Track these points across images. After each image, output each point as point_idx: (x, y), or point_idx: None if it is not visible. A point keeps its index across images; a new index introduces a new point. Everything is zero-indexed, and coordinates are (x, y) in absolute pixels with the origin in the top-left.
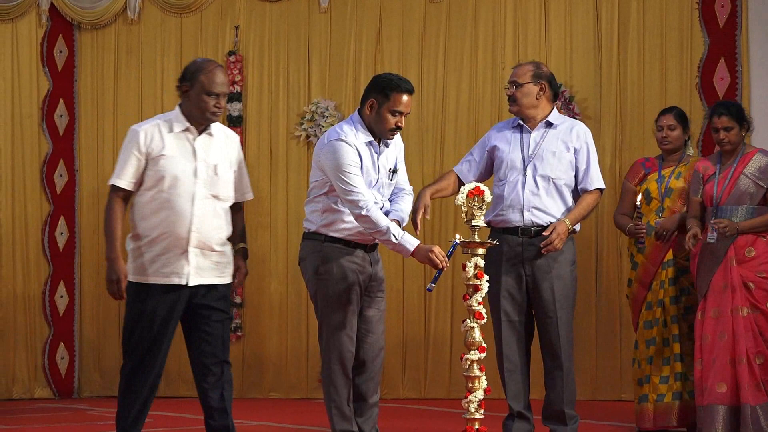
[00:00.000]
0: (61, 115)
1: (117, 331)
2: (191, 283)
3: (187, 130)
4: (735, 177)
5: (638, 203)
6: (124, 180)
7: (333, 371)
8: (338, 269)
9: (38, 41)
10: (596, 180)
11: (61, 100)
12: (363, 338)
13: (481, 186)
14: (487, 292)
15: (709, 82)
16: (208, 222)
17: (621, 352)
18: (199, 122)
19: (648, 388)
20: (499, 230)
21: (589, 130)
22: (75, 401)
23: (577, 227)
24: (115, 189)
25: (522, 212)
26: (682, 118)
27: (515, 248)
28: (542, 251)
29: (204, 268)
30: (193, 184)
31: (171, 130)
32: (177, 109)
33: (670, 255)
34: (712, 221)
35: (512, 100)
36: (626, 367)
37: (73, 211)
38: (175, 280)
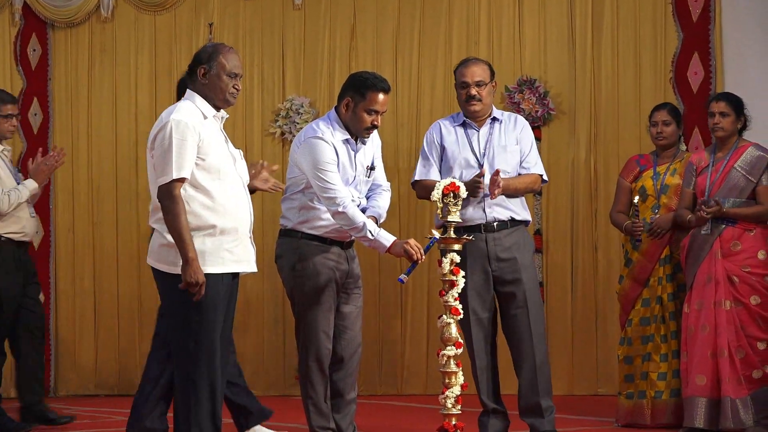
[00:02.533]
0: (36, 114)
1: (93, 330)
2: (254, 269)
3: (215, 115)
4: (726, 170)
5: (635, 202)
6: (186, 170)
7: (310, 368)
8: (314, 266)
9: (11, 40)
10: (537, 165)
11: (35, 99)
12: (340, 335)
13: (457, 182)
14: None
15: (683, 77)
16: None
17: (597, 346)
18: (219, 105)
19: (645, 384)
20: (460, 229)
21: (527, 122)
22: (51, 400)
23: (530, 218)
24: (175, 183)
25: (484, 209)
26: (676, 114)
27: (479, 245)
28: (476, 190)
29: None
30: (233, 170)
31: (205, 117)
32: (194, 96)
33: (667, 251)
34: (699, 204)
35: (477, 99)
36: (603, 362)
37: (48, 210)
38: (246, 267)
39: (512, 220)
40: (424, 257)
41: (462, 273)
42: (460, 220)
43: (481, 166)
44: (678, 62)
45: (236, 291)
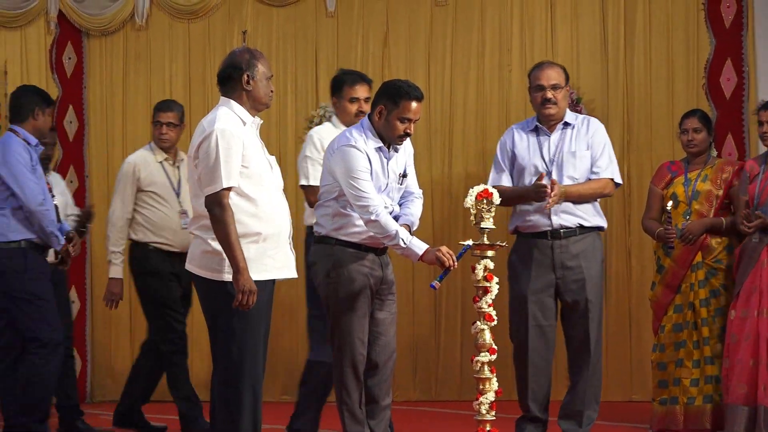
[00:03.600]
0: (71, 122)
1: (128, 336)
2: (295, 275)
3: (252, 122)
4: None
5: (667, 208)
6: (234, 179)
7: (345, 374)
8: (349, 273)
9: (47, 48)
10: (608, 169)
11: (71, 107)
12: (374, 341)
13: (490, 188)
14: (514, 297)
15: (716, 83)
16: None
17: (631, 352)
18: (260, 109)
19: (677, 390)
20: (527, 235)
21: (602, 124)
22: (88, 406)
23: (604, 224)
24: (224, 192)
25: (550, 216)
26: (706, 121)
27: (545, 252)
28: (542, 194)
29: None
30: (271, 176)
31: (244, 123)
32: (230, 102)
33: (699, 257)
34: (741, 216)
35: (553, 102)
36: (637, 368)
37: None
38: (287, 273)
39: (581, 226)
40: (456, 264)
41: (496, 279)
42: (494, 227)
43: (549, 173)
44: (711, 68)
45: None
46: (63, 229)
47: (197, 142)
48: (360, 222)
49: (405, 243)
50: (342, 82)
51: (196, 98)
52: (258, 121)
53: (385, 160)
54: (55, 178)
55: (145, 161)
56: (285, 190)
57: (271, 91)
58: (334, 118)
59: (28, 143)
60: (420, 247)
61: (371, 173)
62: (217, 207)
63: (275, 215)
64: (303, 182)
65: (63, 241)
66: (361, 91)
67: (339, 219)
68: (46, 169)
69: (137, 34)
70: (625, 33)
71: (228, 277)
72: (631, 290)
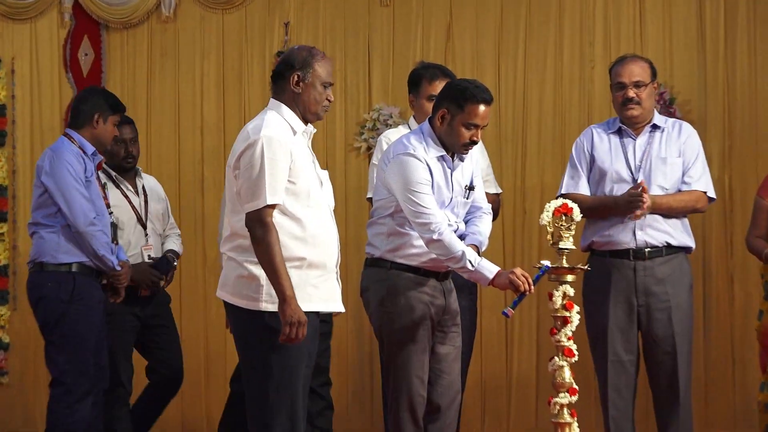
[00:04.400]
0: None
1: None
2: (342, 309)
3: (303, 131)
4: None
5: None
6: (279, 195)
7: (401, 419)
8: (406, 301)
9: (60, 43)
10: (701, 181)
11: None
12: (436, 380)
13: (570, 203)
14: (591, 327)
15: None
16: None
17: (734, 392)
18: (309, 119)
19: None
20: (604, 254)
21: (695, 130)
22: None
23: (692, 244)
24: (267, 209)
25: (634, 232)
26: None
27: (626, 274)
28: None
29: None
30: (321, 195)
31: (294, 132)
32: (281, 107)
33: None
34: None
35: (636, 102)
36: (741, 410)
37: None
38: (334, 307)
39: (668, 246)
40: (533, 289)
41: (576, 308)
42: (573, 247)
43: (635, 181)
44: None
45: (320, 331)
46: (119, 252)
47: (239, 151)
48: (419, 242)
49: (473, 265)
50: (420, 77)
51: (230, 100)
52: (311, 129)
53: (448, 171)
54: (148, 181)
55: None
56: (334, 210)
57: (328, 100)
58: (412, 120)
59: (84, 152)
60: (491, 269)
61: (432, 186)
62: (258, 226)
63: (323, 239)
64: (370, 194)
65: (118, 267)
66: (441, 88)
67: (395, 238)
68: (127, 171)
69: (164, 26)
70: (726, 22)
71: (266, 306)
72: (733, 320)
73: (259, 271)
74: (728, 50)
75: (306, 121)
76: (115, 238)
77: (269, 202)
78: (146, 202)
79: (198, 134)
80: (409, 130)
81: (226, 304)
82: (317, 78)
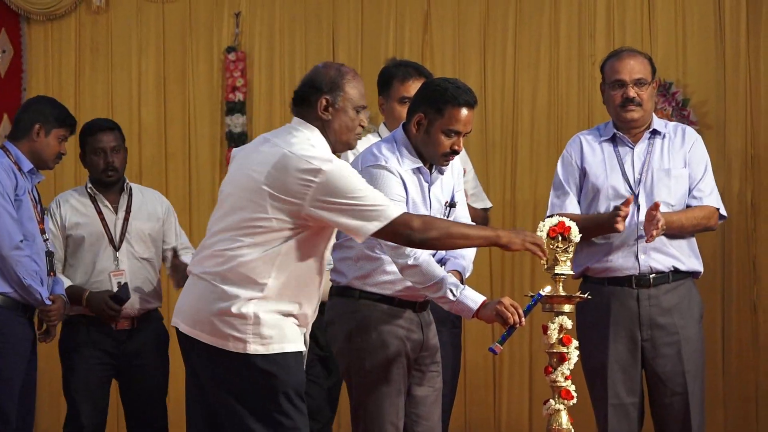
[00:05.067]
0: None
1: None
2: None
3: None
4: None
5: None
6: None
7: None
8: (378, 336)
9: None
10: (712, 195)
11: (5, 116)
12: (413, 427)
13: (567, 221)
14: (588, 365)
15: None
16: None
17: None
18: (337, 149)
19: None
20: (601, 281)
21: (699, 135)
22: None
23: (701, 268)
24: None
25: (636, 256)
26: None
27: (628, 304)
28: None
29: None
30: None
31: None
32: (313, 131)
33: None
34: None
35: (637, 103)
36: None
37: None
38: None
39: (675, 270)
40: (523, 321)
41: (575, 344)
42: (571, 272)
43: (635, 197)
44: None
45: None
46: (55, 285)
47: (314, 187)
48: (393, 267)
49: (455, 294)
50: (391, 77)
51: (172, 103)
52: None
53: (425, 185)
54: (144, 196)
55: None
56: None
57: (362, 126)
58: (382, 126)
59: (20, 167)
60: (475, 300)
61: (407, 202)
62: (414, 232)
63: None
64: None
65: (47, 301)
66: (415, 89)
67: (365, 264)
68: (109, 186)
69: (94, 18)
70: (748, 10)
71: (256, 348)
72: (758, 356)
73: (246, 308)
74: (751, 43)
75: (333, 151)
76: (51, 270)
77: (396, 214)
78: (126, 220)
79: (135, 141)
80: (379, 138)
81: (192, 341)
82: (349, 101)
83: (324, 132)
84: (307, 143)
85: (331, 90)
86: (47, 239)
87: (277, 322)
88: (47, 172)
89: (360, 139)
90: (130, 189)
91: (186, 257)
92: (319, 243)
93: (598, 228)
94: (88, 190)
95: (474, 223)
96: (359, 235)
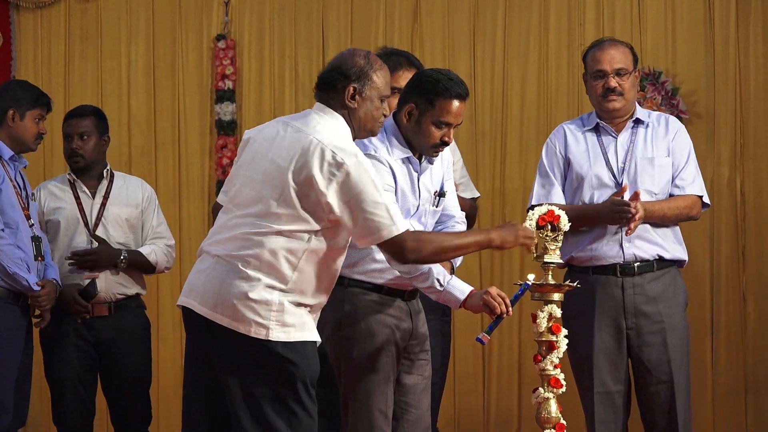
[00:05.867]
0: None
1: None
2: None
3: None
4: None
5: None
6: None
7: None
8: (367, 324)
9: None
10: (695, 183)
11: None
12: (402, 415)
13: (556, 210)
14: (574, 354)
15: None
16: None
17: (748, 429)
18: (359, 136)
19: None
20: (585, 270)
21: (682, 124)
22: None
23: (686, 256)
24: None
25: (621, 244)
26: None
27: (613, 293)
28: (624, 216)
29: None
30: None
31: None
32: (335, 115)
33: None
34: None
35: (618, 93)
36: None
37: None
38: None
39: (660, 259)
40: (511, 311)
41: (564, 332)
42: (560, 261)
43: (619, 185)
44: None
45: None
46: (48, 270)
47: (328, 171)
48: (381, 256)
49: (442, 284)
50: None
51: (162, 92)
52: None
53: (414, 175)
54: (125, 182)
55: None
56: None
57: (384, 115)
58: None
59: (0, 156)
60: (462, 289)
61: (396, 192)
62: (409, 252)
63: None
64: None
65: (35, 287)
66: (405, 79)
67: (353, 252)
68: (84, 172)
69: (84, 6)
70: (738, 1)
71: (278, 335)
72: (746, 347)
73: (270, 295)
74: (740, 32)
75: (354, 138)
76: (39, 255)
77: (402, 229)
78: (103, 205)
79: (125, 131)
80: None
81: (209, 324)
82: (375, 90)
83: (348, 119)
84: (335, 132)
85: (359, 78)
86: (33, 224)
87: (298, 311)
88: (39, 161)
89: (382, 126)
90: (112, 175)
91: (147, 247)
92: (344, 237)
93: (593, 218)
94: (68, 176)
95: (464, 214)
96: (357, 241)
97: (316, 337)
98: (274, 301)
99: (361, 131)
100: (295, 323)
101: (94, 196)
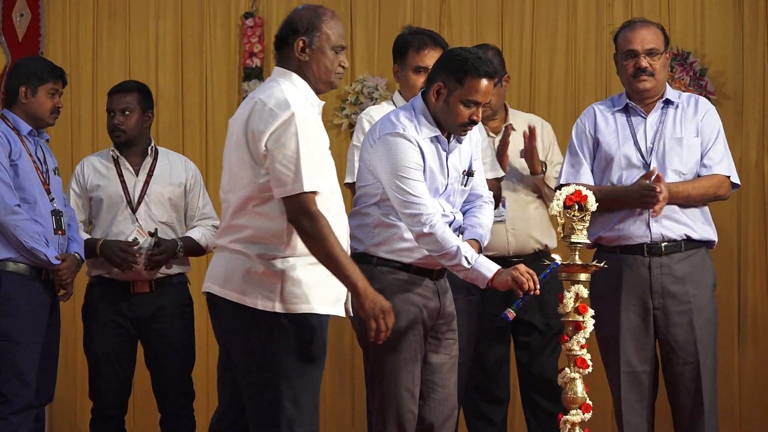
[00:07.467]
0: None
1: None
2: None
3: (318, 104)
4: None
5: None
6: (317, 180)
7: None
8: (395, 303)
9: None
10: (723, 163)
11: None
12: (429, 394)
13: (584, 190)
14: (601, 333)
15: None
16: None
17: None
18: (320, 89)
19: None
20: (613, 249)
21: (712, 105)
22: None
23: (715, 237)
24: (309, 196)
25: (648, 224)
26: None
27: (640, 273)
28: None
29: None
30: (336, 180)
31: (312, 105)
32: (291, 76)
33: None
34: None
35: (649, 73)
36: None
37: None
38: (342, 310)
39: (688, 239)
40: (539, 289)
41: (591, 312)
42: (587, 241)
43: (647, 166)
44: None
45: None
46: (71, 244)
47: (271, 129)
48: (409, 235)
49: (470, 263)
50: (406, 45)
51: (190, 69)
52: (320, 103)
53: (443, 154)
54: (169, 160)
55: None
56: None
57: (342, 66)
58: (397, 95)
59: (18, 132)
60: (490, 267)
61: (425, 171)
62: (304, 218)
63: (341, 232)
64: (348, 179)
65: (55, 261)
66: (431, 58)
67: (382, 231)
68: (128, 147)
69: None
70: None
71: (282, 306)
72: None
73: (274, 267)
74: None
75: (317, 92)
76: (59, 229)
77: (307, 189)
78: (147, 183)
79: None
80: (393, 106)
81: (228, 303)
82: (327, 42)
83: (303, 74)
84: (278, 89)
85: (308, 31)
86: (53, 198)
87: (308, 280)
88: (67, 136)
89: (341, 78)
90: (156, 152)
91: (197, 231)
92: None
93: (621, 201)
94: (112, 152)
95: (491, 194)
96: (277, 188)
97: (325, 309)
98: (279, 273)
99: (319, 84)
100: (300, 295)
101: (137, 173)
